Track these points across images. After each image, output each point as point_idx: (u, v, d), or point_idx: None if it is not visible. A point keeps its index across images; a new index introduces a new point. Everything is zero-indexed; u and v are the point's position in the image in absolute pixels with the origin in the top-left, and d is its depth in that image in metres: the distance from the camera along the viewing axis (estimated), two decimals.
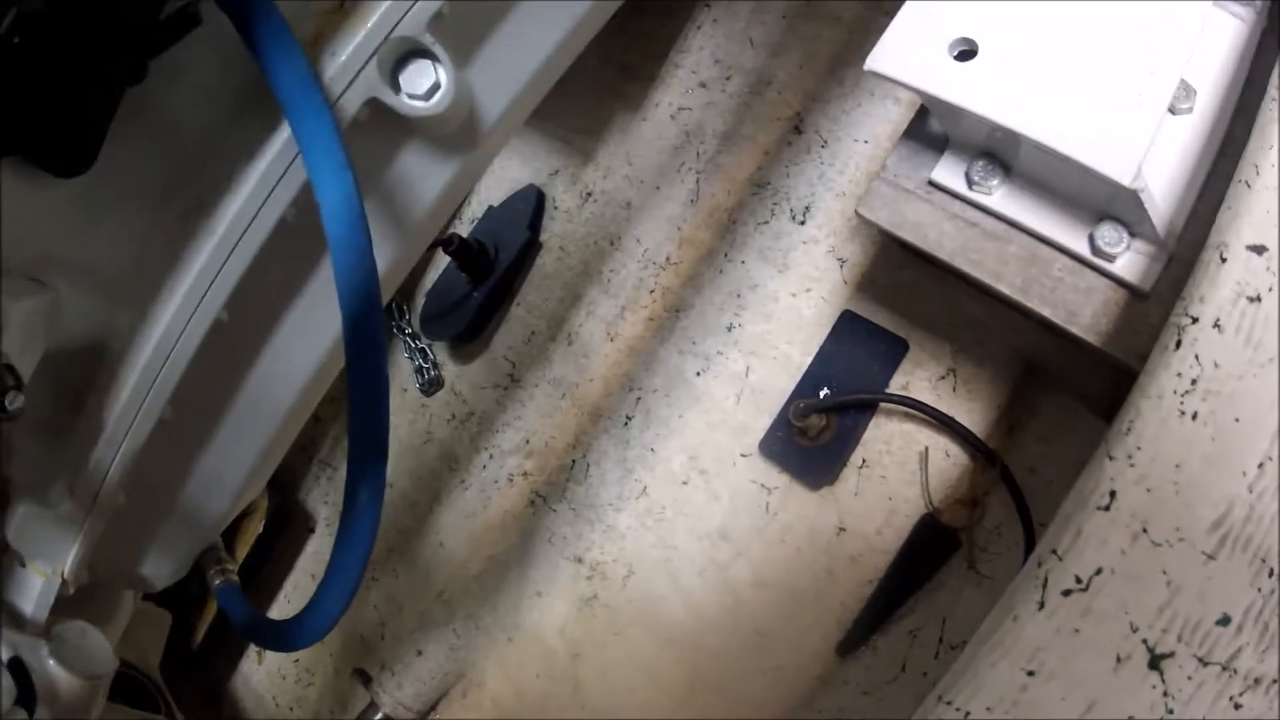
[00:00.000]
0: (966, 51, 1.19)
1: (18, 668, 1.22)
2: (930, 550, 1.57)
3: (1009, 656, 0.90)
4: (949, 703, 0.91)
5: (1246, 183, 0.99)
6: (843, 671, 1.59)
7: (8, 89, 0.97)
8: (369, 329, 1.10)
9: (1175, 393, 0.92)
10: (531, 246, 2.39)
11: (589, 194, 2.35)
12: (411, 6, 1.13)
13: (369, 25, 1.12)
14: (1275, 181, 0.98)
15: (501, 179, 2.58)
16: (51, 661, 1.30)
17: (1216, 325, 0.93)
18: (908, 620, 1.56)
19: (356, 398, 1.13)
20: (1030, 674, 0.88)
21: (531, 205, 2.41)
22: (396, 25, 1.13)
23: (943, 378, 1.64)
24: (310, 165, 1.07)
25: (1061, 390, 1.54)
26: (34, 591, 1.37)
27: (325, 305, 1.16)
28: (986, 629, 0.93)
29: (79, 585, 1.38)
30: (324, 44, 1.13)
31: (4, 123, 0.99)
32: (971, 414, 1.60)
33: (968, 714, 0.90)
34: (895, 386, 1.67)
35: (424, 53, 1.15)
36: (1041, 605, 0.90)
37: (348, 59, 1.12)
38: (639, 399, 2.00)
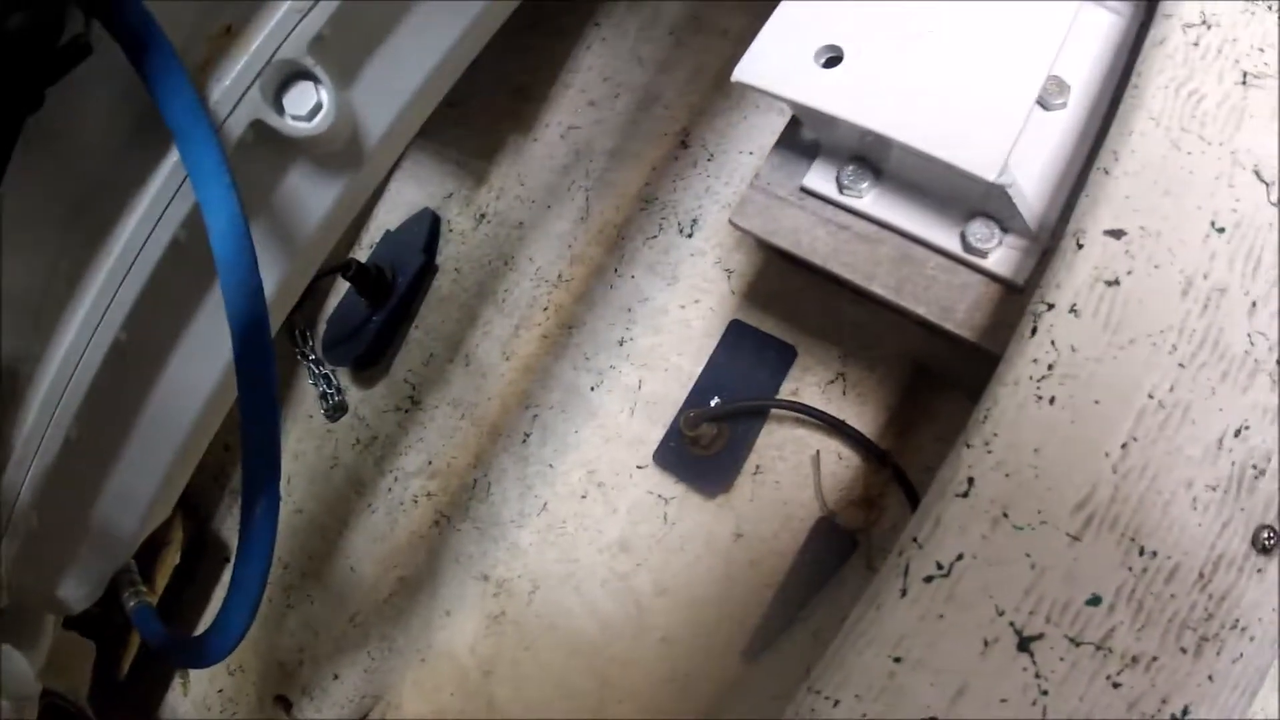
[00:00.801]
0: (833, 58, 1.21)
1: None
2: (827, 552, 1.58)
3: (875, 644, 0.91)
4: (819, 692, 0.92)
5: (1105, 170, 1.01)
6: (749, 675, 1.60)
7: None
8: (257, 344, 1.12)
9: (1031, 378, 0.94)
10: (428, 269, 2.39)
11: (483, 215, 2.35)
12: (293, 30, 1.15)
13: (252, 49, 1.15)
14: (1134, 168, 1.00)
15: (397, 203, 2.58)
16: None
17: (1073, 310, 0.95)
18: (810, 621, 1.57)
19: (248, 412, 1.15)
20: (897, 660, 0.90)
21: (426, 228, 2.41)
22: (279, 48, 1.15)
23: (831, 382, 1.66)
24: (197, 188, 1.10)
25: (955, 390, 1.56)
26: None
27: (222, 323, 1.17)
28: (852, 619, 0.94)
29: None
30: (211, 69, 1.16)
31: None
32: (862, 417, 1.62)
33: (837, 702, 0.91)
34: (785, 393, 1.69)
35: (306, 74, 1.18)
36: (904, 592, 0.91)
37: (232, 83, 1.15)
38: (536, 416, 2.01)
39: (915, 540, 0.93)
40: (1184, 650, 0.85)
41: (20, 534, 1.33)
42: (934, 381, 1.59)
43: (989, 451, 0.93)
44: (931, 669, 0.89)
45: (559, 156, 2.24)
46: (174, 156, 1.16)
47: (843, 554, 1.57)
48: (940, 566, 0.91)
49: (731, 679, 1.61)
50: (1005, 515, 0.90)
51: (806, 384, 1.68)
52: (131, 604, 1.58)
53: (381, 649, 2.05)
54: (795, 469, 1.65)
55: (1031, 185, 1.21)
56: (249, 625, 1.27)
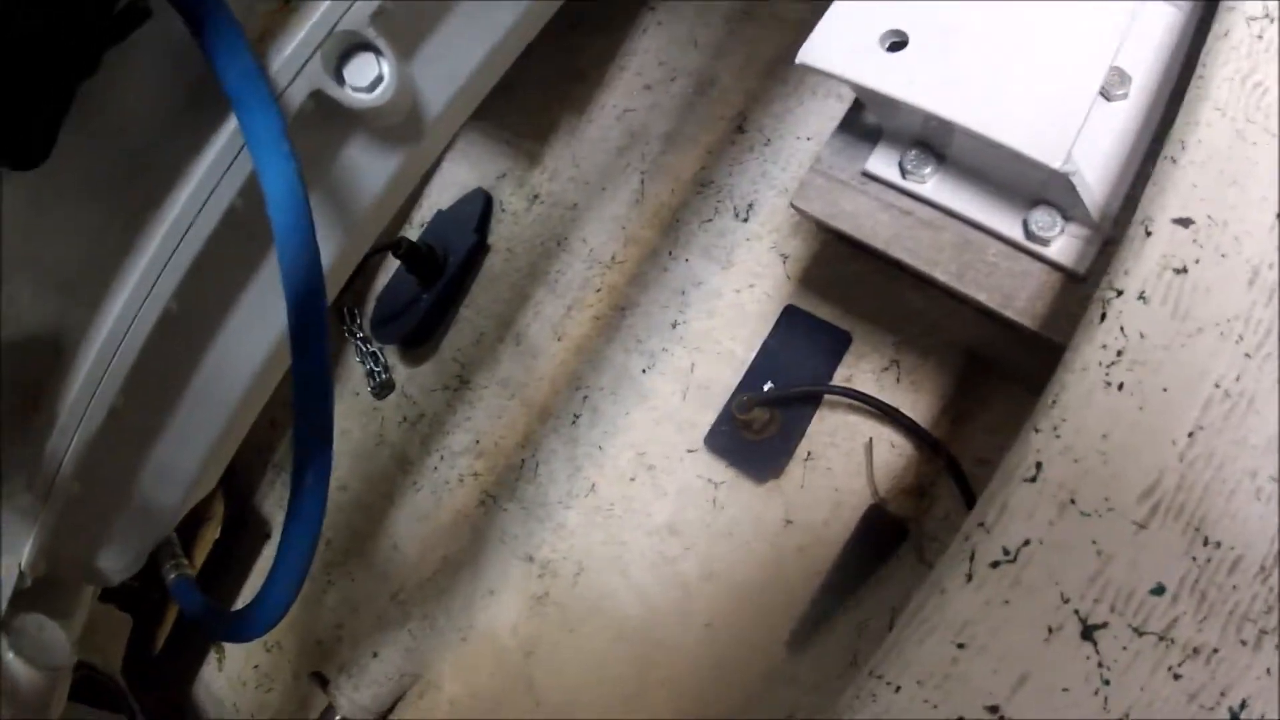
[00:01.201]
0: (898, 43, 1.20)
1: None
2: (878, 541, 1.57)
3: (938, 630, 0.90)
4: (880, 677, 0.92)
5: (1172, 158, 1.00)
6: (792, 665, 1.59)
7: None
8: (312, 314, 1.12)
9: (1100, 364, 0.93)
10: (479, 249, 2.40)
11: (536, 196, 2.35)
12: (354, 2, 1.14)
13: (313, 20, 1.14)
14: (1201, 157, 0.99)
15: (450, 183, 2.59)
16: (10, 654, 1.31)
17: (1142, 297, 0.94)
18: (857, 612, 1.56)
19: (301, 381, 1.15)
20: (960, 646, 0.89)
21: (479, 208, 2.41)
22: (340, 20, 1.15)
23: (886, 369, 1.65)
24: (255, 155, 1.09)
25: (1009, 380, 1.55)
26: None
27: (274, 295, 1.17)
28: (915, 604, 0.94)
29: (36, 577, 1.39)
30: (270, 40, 1.16)
31: None
32: (916, 405, 1.61)
33: (899, 688, 0.90)
34: (839, 379, 1.68)
35: (367, 46, 1.18)
36: (970, 578, 0.91)
37: (292, 53, 1.15)
38: (586, 397, 2.00)
39: (982, 525, 0.92)
40: (1244, 643, 0.83)
41: (60, 503, 1.34)
42: (988, 371, 1.58)
43: (1057, 436, 0.92)
44: (994, 656, 0.88)
45: (614, 139, 2.24)
46: (231, 125, 1.16)
47: (893, 543, 1.56)
48: (1006, 552, 0.90)
49: (774, 667, 1.61)
50: (1072, 501, 0.89)
51: (860, 370, 1.67)
52: (172, 576, 1.58)
53: (422, 628, 2.05)
54: (847, 456, 1.64)
55: (1094, 174, 1.20)
56: (293, 599, 1.27)
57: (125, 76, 1.14)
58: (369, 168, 1.29)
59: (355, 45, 1.18)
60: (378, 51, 1.18)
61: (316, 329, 1.13)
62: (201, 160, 1.18)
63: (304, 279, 1.10)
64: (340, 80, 1.18)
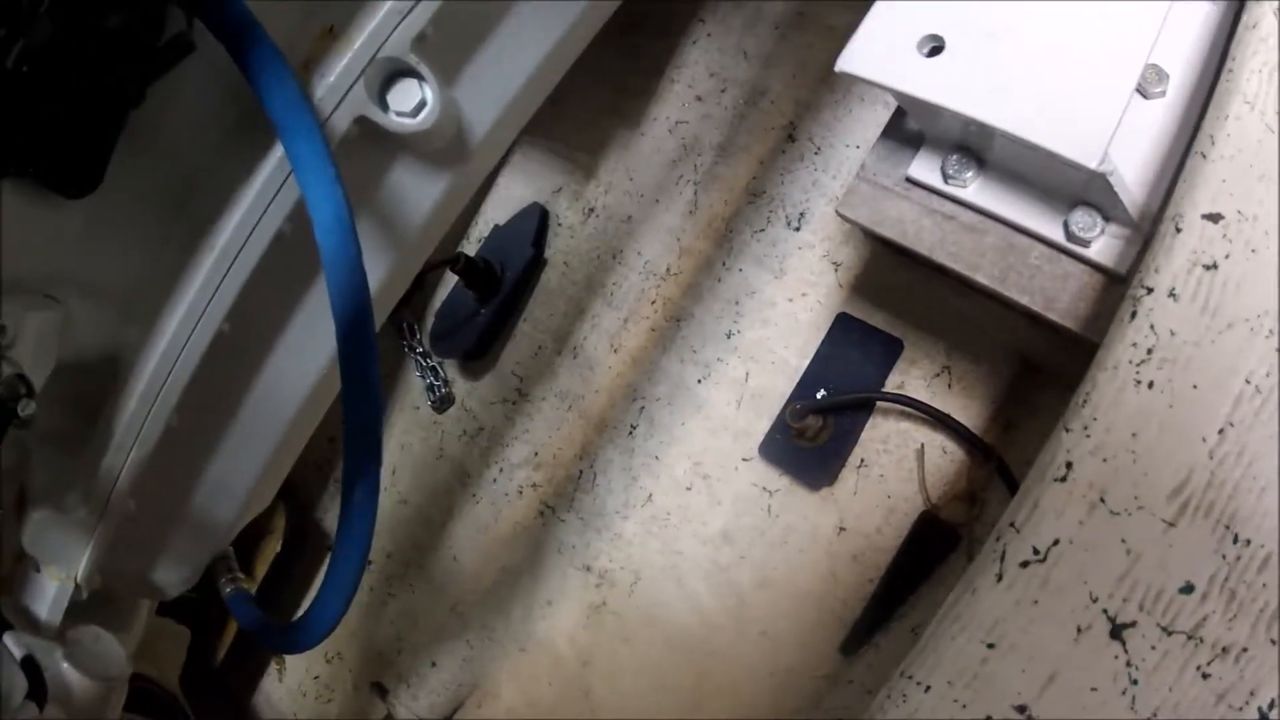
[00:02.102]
0: (935, 48, 1.20)
1: (31, 666, 1.24)
2: (930, 547, 1.57)
3: (968, 630, 0.91)
4: (910, 677, 0.92)
5: (1202, 154, 1.00)
6: (847, 670, 1.59)
7: (16, 115, 1.01)
8: (360, 336, 1.13)
9: (1131, 363, 0.93)
10: (536, 263, 2.41)
11: (591, 210, 2.36)
12: (396, 28, 1.16)
13: (355, 47, 1.16)
14: (1230, 152, 0.99)
15: (506, 198, 2.61)
16: (65, 664, 1.33)
17: (1172, 294, 0.94)
18: (910, 618, 1.56)
19: (349, 399, 1.17)
20: (990, 646, 0.89)
21: (535, 223, 2.43)
22: (382, 46, 1.17)
23: (937, 375, 1.65)
24: (301, 181, 1.11)
25: (1058, 385, 1.54)
26: (48, 596, 1.41)
27: (325, 316, 1.19)
28: (947, 604, 0.94)
29: (92, 590, 1.42)
30: (314, 67, 1.18)
31: (13, 147, 1.03)
32: (967, 410, 1.61)
33: (929, 688, 0.91)
34: (891, 386, 1.68)
35: (410, 72, 1.19)
36: (1000, 577, 0.91)
37: (336, 79, 1.17)
38: (643, 408, 2.01)
39: (1013, 525, 0.92)
40: (1273, 642, 0.83)
41: (116, 518, 1.36)
42: (1038, 375, 1.58)
43: (1087, 436, 0.92)
44: (1024, 655, 0.88)
45: (667, 151, 2.25)
46: (278, 151, 1.19)
47: (945, 549, 1.55)
48: (1037, 552, 0.90)
49: (828, 674, 1.61)
50: (1102, 500, 0.90)
51: (912, 377, 1.67)
52: (228, 590, 1.60)
53: (481, 638, 2.07)
54: (899, 462, 1.64)
55: (1133, 173, 1.20)
56: (344, 611, 1.29)
57: (174, 106, 1.17)
58: (416, 191, 1.31)
59: (398, 71, 1.19)
60: (420, 77, 1.19)
61: (364, 349, 1.15)
62: (250, 186, 1.21)
63: (351, 301, 1.12)
64: (384, 106, 1.20)
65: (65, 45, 1.01)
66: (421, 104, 1.20)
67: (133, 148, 1.14)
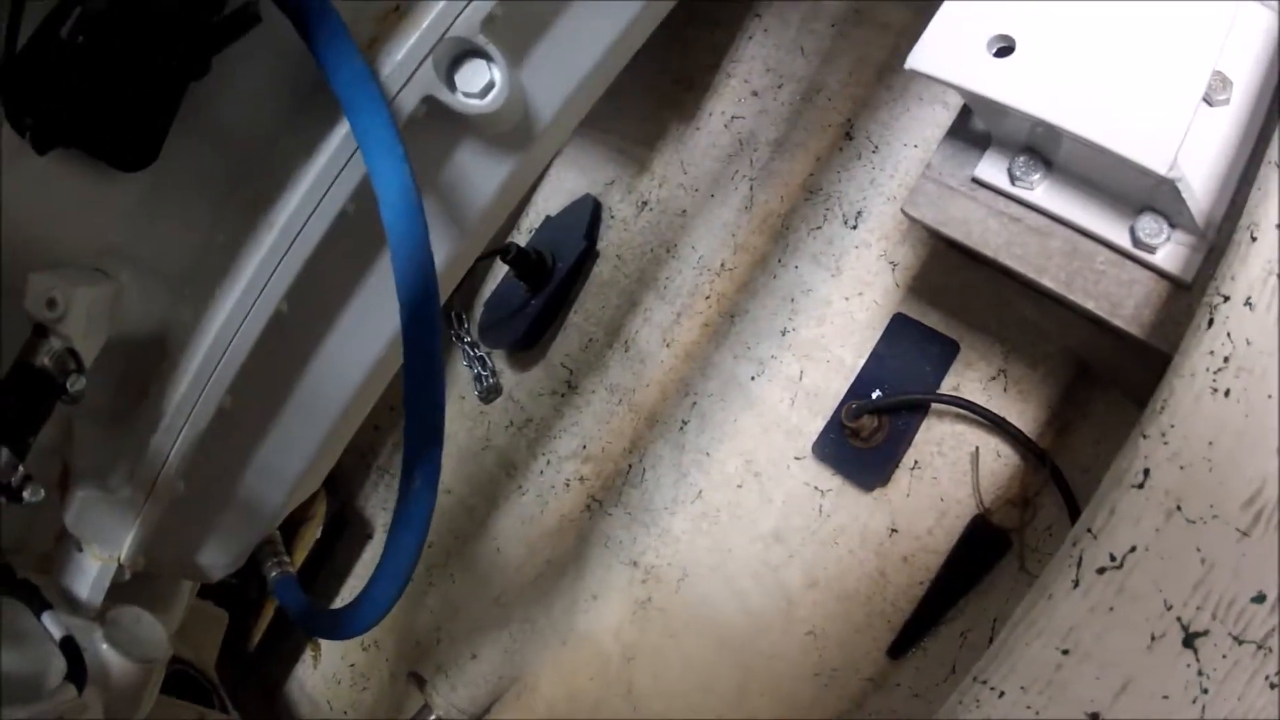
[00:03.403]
0: (1005, 48, 1.20)
1: (70, 647, 1.24)
2: (981, 551, 1.57)
3: (1043, 635, 0.90)
4: (984, 682, 0.91)
5: (1275, 163, 0.99)
6: (894, 673, 1.59)
7: (72, 86, 1.01)
8: (426, 317, 1.12)
9: (1208, 370, 0.93)
10: (589, 255, 2.41)
11: (645, 203, 2.36)
12: (465, 8, 1.15)
13: (423, 26, 1.15)
14: None
15: (559, 189, 2.61)
16: (105, 645, 1.33)
17: (1248, 303, 0.93)
18: (958, 622, 1.56)
19: (413, 384, 1.16)
20: (1065, 653, 0.89)
21: (588, 214, 2.43)
22: (450, 26, 1.16)
23: (994, 378, 1.64)
24: (368, 158, 1.10)
25: (1114, 390, 1.54)
26: (90, 576, 1.40)
27: (384, 299, 1.18)
28: (1022, 609, 0.93)
29: (135, 571, 1.41)
30: (380, 46, 1.17)
31: (70, 119, 1.03)
32: (1023, 414, 1.60)
33: (1003, 693, 0.90)
34: (946, 388, 1.68)
35: (478, 52, 1.18)
36: (1076, 583, 0.90)
37: (404, 58, 1.15)
38: (694, 403, 2.01)
39: (1089, 530, 0.92)
40: None
41: (164, 500, 1.35)
42: (1093, 380, 1.57)
43: (1165, 443, 0.92)
44: (1098, 662, 0.87)
45: (722, 145, 2.24)
46: (342, 129, 1.17)
47: (996, 554, 1.55)
48: (1113, 558, 0.89)
49: (874, 676, 1.60)
50: (1179, 508, 0.89)
51: (968, 379, 1.67)
52: (274, 574, 1.60)
53: (523, 630, 2.07)
54: (953, 465, 1.63)
55: (1199, 181, 1.19)
56: (396, 599, 1.28)
57: (235, 80, 1.16)
58: (480, 174, 1.30)
59: (467, 51, 1.18)
60: (489, 58, 1.18)
61: (430, 332, 1.14)
62: (313, 163, 1.19)
63: (418, 282, 1.11)
64: (452, 86, 1.19)
65: (122, 15, 1.00)
66: (490, 85, 1.18)
67: (191, 122, 1.13)
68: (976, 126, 1.40)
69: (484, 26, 1.17)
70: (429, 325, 1.13)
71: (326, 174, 1.19)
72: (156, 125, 1.10)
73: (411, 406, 1.17)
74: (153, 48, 1.04)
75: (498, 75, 1.18)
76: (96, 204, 1.15)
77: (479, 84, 1.18)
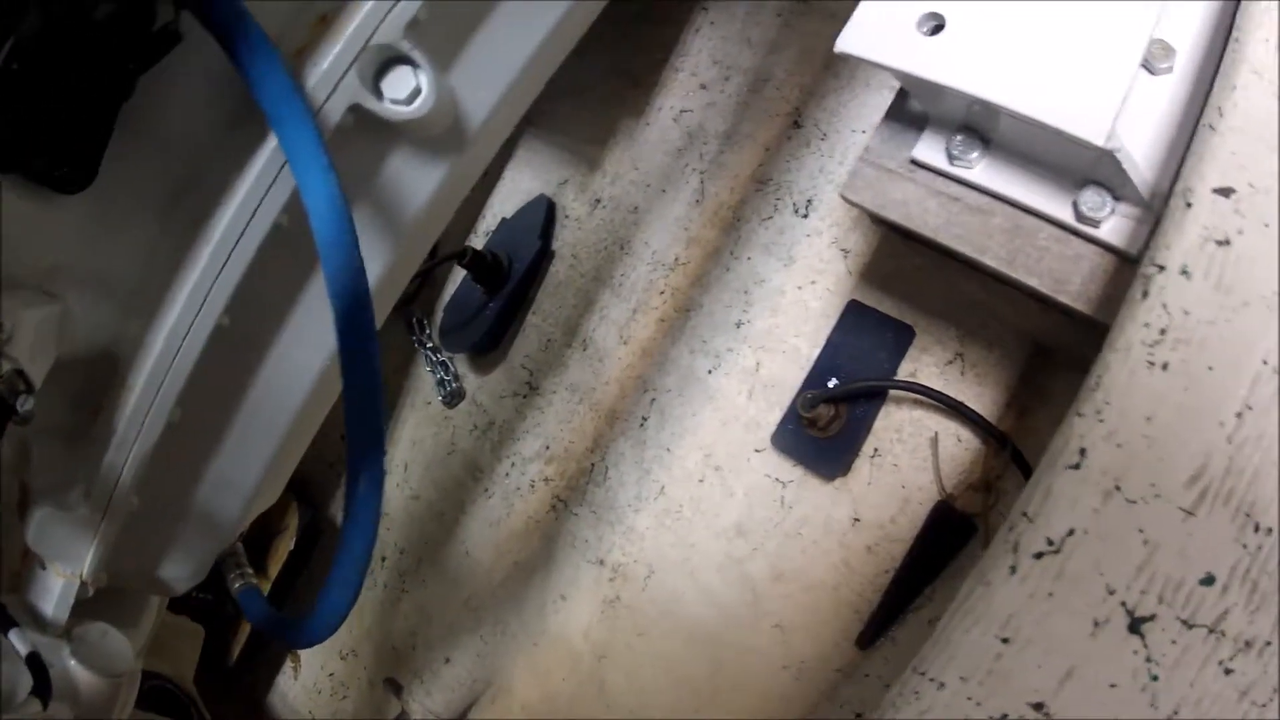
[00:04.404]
0: (936, 26, 1.19)
1: (35, 663, 1.24)
2: (946, 537, 1.56)
3: (981, 623, 0.89)
4: (923, 674, 0.90)
5: (1210, 126, 0.98)
6: (863, 664, 1.58)
7: (8, 113, 1.00)
8: (360, 326, 1.13)
9: (1144, 343, 0.91)
10: (544, 255, 2.41)
11: (598, 201, 2.36)
12: (387, 14, 1.15)
13: (347, 34, 1.15)
14: (1239, 123, 0.97)
15: (514, 191, 2.61)
16: (72, 660, 1.34)
17: (1184, 272, 0.92)
18: (926, 610, 1.55)
19: (350, 391, 1.16)
20: (1005, 641, 0.87)
21: (542, 215, 2.43)
22: (374, 33, 1.16)
23: (950, 362, 1.63)
24: (295, 171, 1.10)
25: (1073, 370, 1.52)
26: (54, 593, 1.41)
27: (326, 309, 1.18)
28: (960, 597, 0.92)
29: (98, 586, 1.42)
30: (306, 56, 1.17)
31: (6, 144, 1.03)
32: (981, 398, 1.59)
33: (942, 685, 0.89)
34: (903, 374, 1.66)
35: (404, 59, 1.18)
36: (1013, 570, 0.89)
37: (329, 67, 1.15)
38: (653, 400, 2.00)
39: (1025, 515, 0.90)
40: None
41: (121, 515, 1.36)
42: (1051, 361, 1.56)
43: (1101, 420, 0.90)
44: (1040, 650, 0.86)
45: (672, 140, 2.24)
46: (273, 143, 1.18)
47: (961, 539, 1.54)
48: (1050, 542, 0.88)
49: (843, 667, 1.60)
50: (1118, 488, 0.87)
51: (925, 364, 1.65)
52: (236, 585, 1.60)
53: (495, 633, 2.07)
54: (913, 451, 1.62)
55: (1142, 151, 1.17)
56: (351, 603, 1.28)
57: (166, 98, 1.16)
58: (413, 180, 1.30)
59: (392, 58, 1.18)
60: (414, 64, 1.18)
61: (364, 340, 1.14)
62: (245, 177, 1.19)
63: (349, 291, 1.11)
64: (378, 94, 1.19)
65: (54, 39, 1.00)
66: (416, 91, 1.18)
67: (127, 141, 1.13)
68: (914, 108, 1.39)
69: (408, 32, 1.16)
70: (363, 333, 1.13)
71: (258, 187, 1.19)
72: (91, 146, 1.10)
73: (351, 413, 1.17)
74: (81, 71, 1.04)
75: (424, 80, 1.18)
76: (39, 227, 1.14)
77: (405, 90, 1.18)
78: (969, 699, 0.87)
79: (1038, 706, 0.84)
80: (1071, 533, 0.88)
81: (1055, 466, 0.91)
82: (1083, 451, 0.90)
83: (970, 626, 0.89)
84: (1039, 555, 0.88)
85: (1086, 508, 0.88)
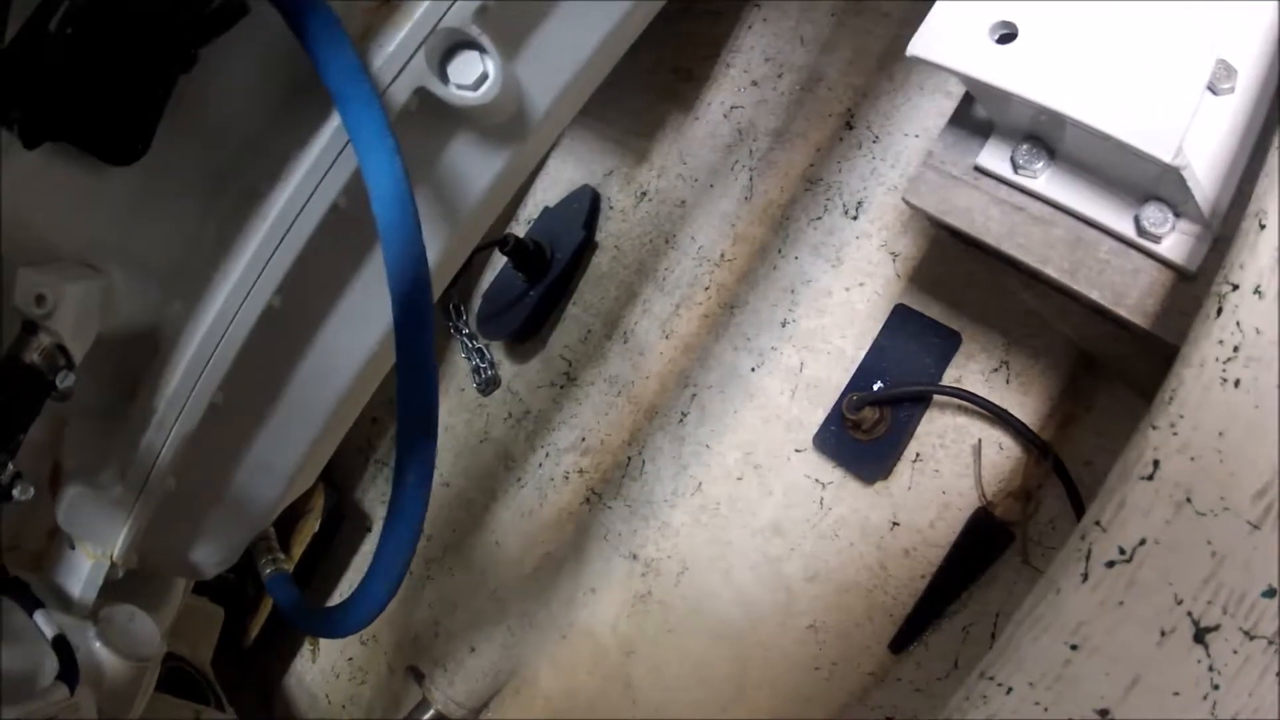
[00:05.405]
0: (1007, 35, 1.19)
1: (62, 645, 1.23)
2: (983, 544, 1.56)
3: (1051, 630, 0.89)
4: (991, 678, 0.90)
5: None
6: (895, 668, 1.58)
7: (61, 79, 1.00)
8: (418, 311, 1.12)
9: (1217, 360, 0.91)
10: (587, 246, 2.40)
11: (644, 193, 2.35)
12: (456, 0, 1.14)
13: (415, 17, 1.15)
14: None
15: (557, 180, 2.60)
16: (98, 643, 1.33)
17: (1257, 291, 0.92)
18: (960, 616, 1.55)
19: (405, 377, 1.15)
20: (1073, 648, 0.87)
21: (587, 205, 2.42)
22: (443, 17, 1.15)
23: (995, 370, 1.63)
24: (359, 151, 1.10)
25: (1117, 382, 1.53)
26: (82, 574, 1.40)
27: (377, 293, 1.18)
28: (1029, 604, 0.92)
29: (128, 568, 1.41)
30: (372, 37, 1.16)
31: (58, 112, 1.02)
32: (1024, 406, 1.59)
33: (1010, 689, 0.89)
34: (948, 379, 1.66)
35: (471, 44, 1.17)
36: (1085, 578, 0.89)
37: (395, 49, 1.15)
38: (694, 395, 2.00)
39: (1098, 523, 0.90)
40: None
41: (156, 497, 1.35)
42: (1096, 372, 1.56)
43: (1175, 434, 0.90)
44: (1107, 657, 0.86)
45: (722, 136, 2.23)
46: (334, 123, 1.17)
47: (998, 547, 1.54)
48: (1123, 551, 0.88)
49: (875, 670, 1.60)
50: (1189, 500, 0.87)
51: (970, 371, 1.65)
52: (268, 571, 1.60)
53: (521, 624, 2.06)
54: (955, 457, 1.62)
55: (1203, 170, 1.17)
56: (391, 597, 1.28)
57: (225, 72, 1.16)
58: (474, 166, 1.30)
59: (459, 43, 1.17)
60: (482, 49, 1.17)
61: (421, 325, 1.13)
62: (304, 157, 1.19)
63: (409, 275, 1.10)
64: (444, 78, 1.18)
65: (110, 7, 1.00)
66: (483, 77, 1.17)
67: (181, 115, 1.13)
68: (979, 114, 1.39)
69: (477, 17, 1.16)
70: (421, 319, 1.13)
71: (318, 167, 1.19)
72: (146, 118, 1.09)
73: (404, 402, 1.17)
74: (140, 40, 1.03)
75: (491, 67, 1.17)
76: (86, 199, 1.14)
77: (472, 76, 1.17)
78: (1036, 704, 0.87)
79: (1103, 713, 0.84)
80: (1143, 542, 0.88)
81: (1129, 477, 0.91)
82: (1156, 463, 0.90)
83: (1040, 634, 0.89)
84: (1111, 564, 0.88)
85: (1159, 518, 0.88)
